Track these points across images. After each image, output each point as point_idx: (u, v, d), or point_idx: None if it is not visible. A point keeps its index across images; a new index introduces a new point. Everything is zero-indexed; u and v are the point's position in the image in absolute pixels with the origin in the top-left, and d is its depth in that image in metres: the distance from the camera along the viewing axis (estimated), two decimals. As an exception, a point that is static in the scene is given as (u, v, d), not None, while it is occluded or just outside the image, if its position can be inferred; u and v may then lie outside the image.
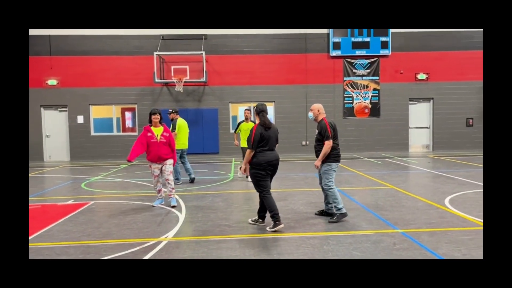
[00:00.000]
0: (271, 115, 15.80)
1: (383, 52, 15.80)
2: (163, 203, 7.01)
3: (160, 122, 6.87)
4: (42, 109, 15.38)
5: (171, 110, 9.31)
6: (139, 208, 6.85)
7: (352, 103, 16.03)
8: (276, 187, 8.40)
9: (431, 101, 16.23)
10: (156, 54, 14.49)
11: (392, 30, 15.75)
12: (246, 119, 9.31)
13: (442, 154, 14.88)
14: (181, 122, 9.29)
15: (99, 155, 15.39)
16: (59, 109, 15.57)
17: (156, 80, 14.73)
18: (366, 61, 15.92)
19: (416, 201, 6.95)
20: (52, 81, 15.22)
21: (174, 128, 8.99)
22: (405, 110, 16.14)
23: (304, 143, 15.88)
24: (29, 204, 6.98)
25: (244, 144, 8.95)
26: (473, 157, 13.59)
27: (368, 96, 16.03)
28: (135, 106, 15.69)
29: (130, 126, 16.08)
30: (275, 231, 5.27)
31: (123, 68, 15.37)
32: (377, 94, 16.04)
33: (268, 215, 5.50)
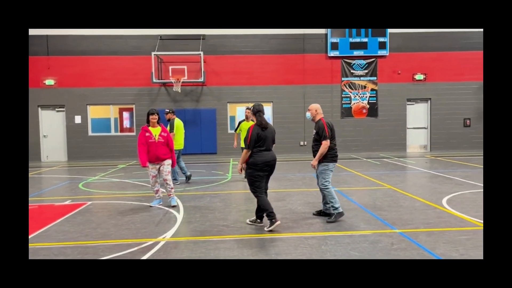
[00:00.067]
0: (269, 115, 15.81)
1: (381, 52, 15.84)
2: (161, 203, 7.00)
3: (157, 122, 6.86)
4: (39, 109, 15.34)
5: (167, 110, 9.30)
6: (137, 208, 6.84)
7: (350, 103, 16.06)
8: (274, 188, 8.40)
9: (429, 101, 16.27)
10: (154, 54, 14.48)
11: (389, 31, 15.79)
12: (247, 118, 9.27)
13: (440, 154, 14.92)
14: (178, 122, 9.28)
15: (97, 155, 15.36)
16: (57, 109, 15.53)
17: (154, 80, 14.71)
18: (364, 62, 15.95)
19: (413, 201, 6.97)
20: (49, 81, 15.19)
21: (172, 129, 8.97)
22: (403, 111, 16.18)
23: (302, 143, 15.89)
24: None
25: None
26: (470, 157, 13.63)
27: (366, 97, 16.06)
28: (133, 106, 15.67)
29: (128, 126, 16.06)
30: (272, 230, 5.28)
31: (121, 68, 15.35)
32: (375, 95, 16.07)
33: (265, 214, 5.49)
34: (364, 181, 9.24)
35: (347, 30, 15.73)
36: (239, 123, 9.60)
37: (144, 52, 15.06)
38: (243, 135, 9.17)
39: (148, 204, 7.03)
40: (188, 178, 9.39)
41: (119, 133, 15.82)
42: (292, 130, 15.80)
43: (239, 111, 16.06)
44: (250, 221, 5.72)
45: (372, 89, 16.06)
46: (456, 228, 5.32)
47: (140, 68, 15.17)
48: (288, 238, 5.02)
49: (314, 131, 5.81)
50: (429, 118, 16.35)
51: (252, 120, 9.22)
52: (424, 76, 16.04)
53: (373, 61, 15.98)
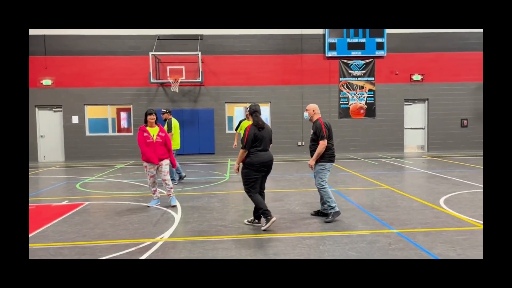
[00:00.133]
0: (267, 115, 15.81)
1: (379, 53, 15.87)
2: (159, 203, 6.99)
3: (155, 123, 6.85)
4: (36, 109, 15.29)
5: (164, 110, 9.28)
6: (134, 208, 6.83)
7: (347, 103, 16.08)
8: (272, 188, 8.41)
9: (426, 102, 16.32)
10: (152, 54, 14.45)
11: (387, 31, 15.82)
12: (248, 117, 9.24)
13: (437, 154, 14.96)
14: (175, 123, 9.27)
15: (94, 156, 15.33)
16: (54, 109, 15.48)
17: (152, 81, 14.69)
18: (361, 62, 15.98)
19: (411, 201, 6.98)
20: (46, 81, 15.14)
21: (170, 129, 8.96)
22: (400, 111, 16.21)
23: (300, 143, 15.90)
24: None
25: None
26: (468, 157, 13.67)
27: (364, 97, 16.09)
28: (131, 106, 15.64)
29: (126, 126, 16.03)
30: (269, 229, 5.29)
31: (119, 68, 15.32)
32: (372, 95, 16.10)
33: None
34: (362, 181, 9.25)
35: (344, 30, 15.75)
36: (240, 122, 9.57)
37: (141, 52, 15.04)
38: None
39: (146, 205, 7.02)
40: (181, 178, 9.38)
41: (116, 133, 15.79)
42: (290, 130, 15.81)
43: (237, 111, 16.06)
44: (248, 221, 5.72)
45: (369, 90, 16.09)
46: (453, 228, 5.34)
47: (138, 68, 15.14)
48: (286, 238, 5.02)
49: (312, 131, 5.82)
50: (426, 118, 16.39)
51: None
52: (422, 77, 16.08)
53: (370, 62, 16.01)
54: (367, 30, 15.75)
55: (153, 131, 6.77)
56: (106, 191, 8.57)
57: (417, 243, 4.72)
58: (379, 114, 16.12)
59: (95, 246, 4.84)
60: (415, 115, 16.41)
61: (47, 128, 15.47)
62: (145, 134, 6.70)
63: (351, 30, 15.78)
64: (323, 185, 5.76)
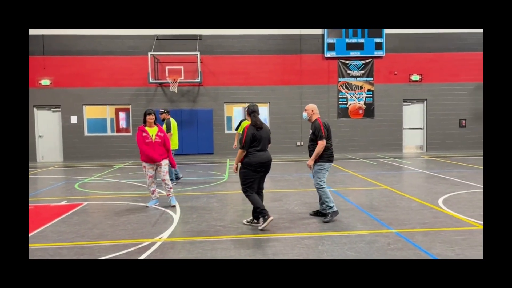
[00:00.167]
0: (266, 116, 15.82)
1: (377, 53, 15.89)
2: (158, 203, 6.99)
3: (154, 123, 6.85)
4: (35, 109, 15.26)
5: (162, 110, 9.27)
6: (133, 208, 6.82)
7: (346, 104, 16.09)
8: (270, 188, 8.41)
9: (425, 102, 16.34)
10: (151, 55, 14.45)
11: (386, 32, 15.84)
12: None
13: (436, 154, 14.98)
14: (173, 122, 9.27)
15: (93, 156, 15.31)
16: (52, 109, 15.46)
17: (151, 81, 14.68)
18: (360, 62, 15.99)
19: (410, 202, 6.99)
20: (45, 81, 15.11)
21: (169, 129, 8.95)
22: (399, 111, 16.23)
23: (298, 143, 15.90)
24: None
25: None
26: (466, 157, 13.70)
27: (362, 97, 16.10)
28: (129, 106, 15.62)
29: (124, 126, 16.01)
30: (265, 229, 5.30)
31: (117, 68, 15.30)
32: (371, 95, 16.12)
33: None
34: (361, 182, 9.26)
35: (343, 30, 15.77)
36: (241, 122, 9.55)
37: (140, 52, 15.03)
38: None
39: (145, 205, 7.01)
40: (178, 178, 9.37)
41: (115, 134, 15.77)
42: (289, 130, 15.82)
43: (236, 112, 16.06)
44: (246, 222, 5.72)
45: (368, 90, 16.11)
46: (452, 228, 5.34)
47: (137, 68, 15.13)
48: (285, 238, 5.02)
49: (311, 131, 5.83)
50: (425, 118, 16.41)
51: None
52: (420, 77, 16.10)
53: (369, 62, 16.02)
54: (366, 30, 15.77)
55: (152, 131, 6.77)
56: (104, 191, 8.56)
57: (415, 243, 4.73)
58: (378, 114, 16.14)
59: (94, 246, 4.84)
60: (413, 115, 16.43)
61: (46, 128, 15.44)
62: (144, 134, 6.70)
63: (350, 31, 15.79)
64: (321, 185, 5.77)
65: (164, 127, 8.75)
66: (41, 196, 8.12)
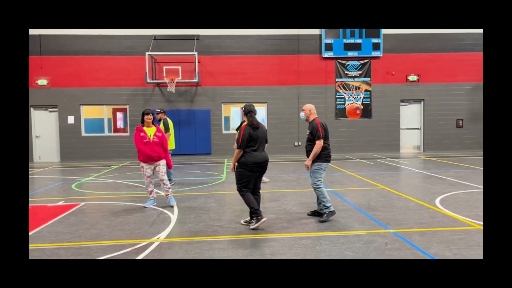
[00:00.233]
0: (263, 116, 15.82)
1: (375, 53, 15.92)
2: (155, 204, 6.97)
3: (152, 123, 6.85)
4: (32, 109, 15.21)
5: (159, 110, 9.25)
6: (130, 209, 6.80)
7: (344, 104, 16.12)
8: (268, 188, 8.41)
9: (422, 102, 16.39)
10: (148, 55, 14.42)
11: (383, 32, 15.87)
12: None
13: (433, 155, 15.02)
14: (170, 123, 9.25)
15: (90, 156, 15.27)
16: (49, 110, 15.41)
17: (148, 81, 14.65)
18: (357, 63, 16.02)
19: (407, 202, 7.01)
20: (42, 81, 15.06)
21: (167, 129, 8.93)
22: (396, 111, 16.27)
23: (296, 144, 15.91)
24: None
25: None
26: (463, 158, 13.74)
27: (360, 97, 16.13)
28: (127, 106, 15.59)
29: (122, 126, 15.97)
30: (259, 227, 5.34)
31: (115, 68, 15.27)
32: (368, 95, 16.15)
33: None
34: (358, 182, 9.27)
35: (341, 31, 15.79)
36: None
37: (138, 52, 15.00)
38: None
39: (142, 205, 7.00)
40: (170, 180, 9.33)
41: (112, 134, 15.73)
42: (286, 130, 15.83)
43: (233, 112, 16.05)
44: (244, 222, 5.72)
45: (366, 90, 16.14)
46: (449, 228, 5.36)
47: (134, 68, 15.10)
48: (283, 238, 5.02)
49: (308, 131, 5.83)
50: (422, 119, 16.46)
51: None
52: (418, 77, 16.15)
53: (367, 62, 16.05)
54: (363, 30, 15.80)
55: (150, 131, 6.76)
56: (102, 192, 8.53)
57: (413, 243, 4.74)
58: (375, 114, 16.17)
59: (91, 246, 4.82)
60: (411, 116, 16.47)
61: (43, 129, 15.39)
62: (142, 134, 6.69)
63: (348, 31, 15.82)
64: (319, 185, 5.78)
65: (161, 126, 8.74)
66: (38, 197, 8.09)
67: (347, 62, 15.98)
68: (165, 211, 6.58)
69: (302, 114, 5.97)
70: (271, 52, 15.72)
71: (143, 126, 6.78)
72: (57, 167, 13.55)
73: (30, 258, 4.41)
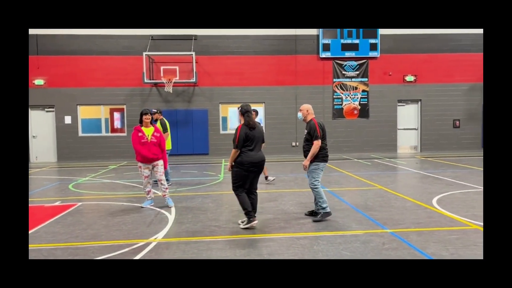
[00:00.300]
0: (261, 116, 15.81)
1: (372, 54, 15.95)
2: (152, 204, 6.96)
3: (150, 123, 6.85)
4: (28, 109, 15.15)
5: (155, 110, 9.24)
6: (128, 209, 6.79)
7: (341, 104, 16.14)
8: (266, 188, 8.41)
9: (419, 102, 16.43)
10: (146, 55, 14.40)
11: (381, 33, 15.91)
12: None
13: (430, 155, 15.06)
14: (167, 123, 9.23)
15: (87, 156, 15.22)
16: (46, 109, 15.36)
17: (146, 81, 14.62)
18: (355, 63, 16.05)
19: (404, 201, 7.02)
20: (39, 81, 15.01)
21: (165, 129, 8.91)
22: (394, 112, 16.31)
23: (294, 144, 15.92)
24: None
25: None
26: (460, 158, 13.78)
27: (357, 98, 16.16)
28: (124, 106, 15.56)
29: (119, 126, 15.94)
30: (247, 228, 5.38)
31: (112, 68, 15.23)
32: (366, 96, 16.18)
33: (258, 215, 5.50)
34: (356, 182, 9.29)
35: (338, 31, 15.81)
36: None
37: (135, 52, 14.97)
38: None
39: (140, 205, 6.98)
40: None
41: (110, 134, 15.69)
42: (284, 131, 15.83)
43: (231, 112, 16.05)
44: (242, 222, 5.71)
45: (363, 90, 16.17)
46: (446, 227, 5.37)
47: (132, 68, 15.07)
48: (280, 238, 5.02)
49: (306, 131, 5.84)
50: (419, 119, 16.50)
51: (257, 122, 9.16)
52: (415, 78, 16.19)
53: (364, 63, 16.09)
54: (361, 31, 15.83)
55: (148, 131, 6.75)
56: (99, 192, 8.51)
57: (410, 242, 4.75)
58: (373, 114, 16.20)
59: (88, 247, 4.81)
60: (408, 116, 16.52)
61: (39, 129, 15.33)
62: (140, 134, 6.68)
63: (345, 31, 15.84)
64: (316, 185, 5.79)
65: (158, 126, 8.72)
66: (35, 197, 8.06)
67: (345, 63, 16.01)
68: (162, 211, 6.57)
69: (299, 114, 5.98)
70: (268, 52, 15.73)
71: (142, 126, 6.77)
72: (54, 167, 13.50)
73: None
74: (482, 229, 5.17)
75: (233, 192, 5.60)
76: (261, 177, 7.80)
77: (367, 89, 16.17)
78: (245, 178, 5.41)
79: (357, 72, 16.08)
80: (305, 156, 5.81)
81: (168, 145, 9.24)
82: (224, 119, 15.96)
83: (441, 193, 7.69)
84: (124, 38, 15.25)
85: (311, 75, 15.91)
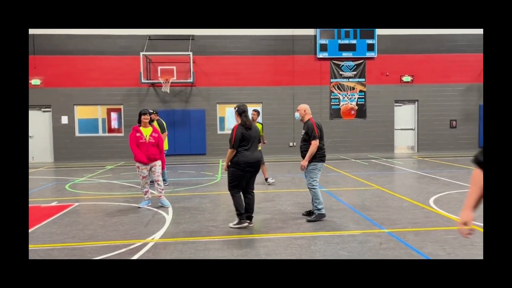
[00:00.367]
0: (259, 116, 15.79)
1: (369, 54, 15.99)
2: (150, 204, 6.95)
3: (149, 123, 6.84)
4: (28, 110, 15.05)
5: (151, 111, 9.21)
6: (125, 209, 6.77)
7: (338, 104, 16.17)
8: (263, 188, 8.42)
9: (416, 103, 16.48)
10: (143, 55, 14.37)
11: (378, 33, 15.94)
12: (253, 120, 9.07)
13: (427, 155, 15.11)
14: (164, 123, 9.22)
15: (84, 156, 15.17)
16: (43, 109, 15.30)
17: (143, 81, 14.59)
18: (352, 63, 16.08)
19: (401, 201, 7.04)
20: (35, 81, 14.95)
21: (164, 129, 8.89)
22: (391, 112, 16.35)
23: (291, 144, 15.93)
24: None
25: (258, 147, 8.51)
26: (457, 158, 13.84)
27: (355, 98, 16.19)
28: (121, 106, 15.52)
29: (116, 127, 15.89)
30: (238, 227, 5.45)
31: (109, 68, 15.19)
32: (363, 96, 16.21)
33: (255, 215, 5.51)
34: (353, 182, 9.30)
35: (335, 31, 15.84)
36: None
37: (132, 52, 14.94)
38: None
39: (137, 205, 6.97)
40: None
41: (107, 134, 15.65)
42: (281, 131, 15.84)
43: (228, 112, 16.04)
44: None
45: (360, 91, 16.20)
46: (443, 227, 5.39)
47: (129, 68, 15.03)
48: (278, 238, 5.02)
49: (303, 131, 5.85)
50: (416, 119, 16.55)
51: (259, 122, 9.17)
52: (412, 78, 16.24)
53: (361, 63, 16.12)
54: (358, 31, 15.86)
55: (146, 131, 6.74)
56: (96, 192, 8.49)
57: (407, 242, 4.76)
58: (370, 115, 16.23)
59: (85, 247, 4.79)
60: (405, 116, 16.56)
61: (36, 129, 15.25)
62: (138, 134, 6.67)
63: (342, 32, 15.87)
64: (314, 185, 5.79)
65: (156, 125, 8.68)
66: (31, 197, 8.03)
67: (342, 63, 16.04)
68: (159, 211, 6.56)
69: (297, 114, 5.99)
70: (266, 53, 15.73)
71: (140, 126, 6.76)
72: (51, 168, 13.46)
73: (23, 259, 4.39)
74: (479, 229, 5.19)
75: (228, 192, 5.60)
76: (261, 178, 7.82)
77: (364, 90, 16.21)
78: (241, 178, 5.42)
79: (354, 73, 16.11)
80: (303, 156, 5.82)
81: (165, 145, 9.21)
82: (222, 119, 15.95)
83: (438, 193, 7.72)
84: (121, 38, 15.21)
85: (308, 75, 15.93)
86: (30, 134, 15.22)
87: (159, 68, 14.73)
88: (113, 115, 15.90)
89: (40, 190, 8.86)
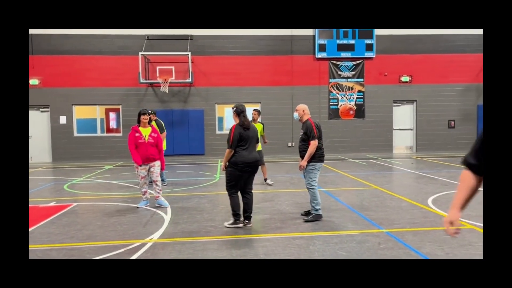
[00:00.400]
0: (257, 116, 15.80)
1: (368, 54, 16.00)
2: (148, 204, 6.94)
3: (148, 123, 6.83)
4: (28, 111, 15.02)
5: (150, 111, 9.19)
6: (123, 209, 6.76)
7: (337, 104, 16.18)
8: (262, 188, 8.41)
9: (414, 103, 16.50)
10: (141, 54, 14.35)
11: (376, 33, 15.96)
12: (254, 120, 9.06)
13: (425, 155, 15.13)
14: (162, 123, 9.21)
15: (83, 157, 15.15)
16: (41, 110, 15.26)
17: (141, 81, 14.57)
18: (351, 63, 16.09)
19: (400, 201, 7.05)
20: (33, 81, 14.91)
21: (163, 129, 8.88)
22: (389, 112, 16.37)
23: (290, 144, 15.94)
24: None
25: (259, 147, 8.37)
26: (455, 158, 13.86)
27: (353, 98, 16.20)
28: (120, 106, 15.50)
29: (115, 127, 15.87)
30: (233, 227, 5.47)
31: (107, 68, 15.17)
32: (361, 96, 16.23)
33: (254, 215, 5.51)
34: (351, 182, 9.31)
35: (334, 31, 15.85)
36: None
37: (131, 52, 14.91)
38: None
39: (135, 205, 6.96)
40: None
41: (105, 134, 15.63)
42: (280, 131, 15.83)
43: (227, 112, 16.04)
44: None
45: (359, 91, 16.21)
46: (441, 227, 5.39)
47: (127, 68, 15.01)
48: (276, 239, 5.02)
49: (302, 131, 5.85)
50: (414, 119, 16.57)
51: (260, 122, 9.15)
52: (410, 78, 16.26)
53: (360, 63, 16.13)
54: (357, 31, 15.87)
55: (146, 131, 6.73)
56: (94, 192, 8.47)
57: (406, 242, 4.77)
58: (368, 115, 16.25)
59: (83, 247, 4.79)
60: (403, 116, 16.58)
61: (34, 129, 15.21)
62: (137, 134, 6.66)
63: (341, 32, 15.88)
64: (313, 185, 5.79)
65: (154, 125, 8.67)
66: (30, 197, 8.01)
67: (340, 63, 16.05)
68: (158, 211, 6.55)
69: (295, 114, 5.99)
70: (264, 53, 15.73)
71: (139, 126, 6.75)
72: (49, 168, 13.43)
73: (21, 259, 4.37)
74: (477, 228, 5.20)
75: (227, 192, 5.60)
76: (260, 179, 7.83)
77: (363, 90, 16.22)
78: (239, 178, 5.42)
79: (353, 73, 16.12)
80: (301, 156, 5.82)
81: (163, 146, 9.20)
82: (220, 119, 15.95)
83: (436, 193, 7.73)
84: (120, 38, 15.19)
85: (307, 75, 15.93)
86: (29, 134, 15.19)
87: (157, 68, 14.71)
88: (112, 115, 15.88)
89: (39, 190, 8.84)
